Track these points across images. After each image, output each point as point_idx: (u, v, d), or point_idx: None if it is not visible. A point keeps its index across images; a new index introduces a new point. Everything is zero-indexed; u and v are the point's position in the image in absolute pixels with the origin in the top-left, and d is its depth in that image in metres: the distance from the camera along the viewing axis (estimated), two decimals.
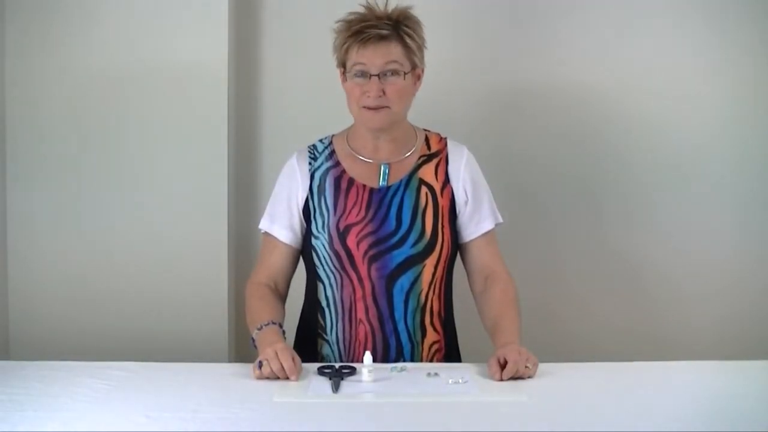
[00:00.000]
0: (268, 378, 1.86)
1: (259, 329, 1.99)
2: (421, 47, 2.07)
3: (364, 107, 2.03)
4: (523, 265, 2.69)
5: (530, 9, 2.75)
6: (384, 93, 2.01)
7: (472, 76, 2.75)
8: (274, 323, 2.01)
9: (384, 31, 2.00)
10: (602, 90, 2.76)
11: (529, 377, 1.87)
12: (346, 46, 2.02)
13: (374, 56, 2.00)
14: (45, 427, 1.57)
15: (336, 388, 1.77)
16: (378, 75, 2.01)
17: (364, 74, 2.01)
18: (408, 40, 2.03)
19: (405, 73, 2.03)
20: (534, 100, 2.77)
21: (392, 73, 2.02)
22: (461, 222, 2.13)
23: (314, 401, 1.72)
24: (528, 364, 1.87)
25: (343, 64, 2.06)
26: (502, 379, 1.84)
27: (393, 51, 2.02)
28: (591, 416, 1.63)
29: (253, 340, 2.01)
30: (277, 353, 1.86)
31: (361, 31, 2.00)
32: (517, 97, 2.77)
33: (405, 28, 2.03)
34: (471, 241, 2.14)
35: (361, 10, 2.04)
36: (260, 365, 1.87)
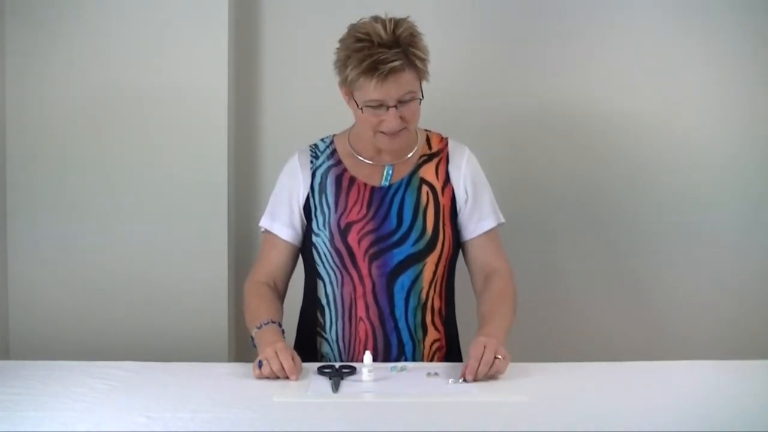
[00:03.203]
0: (267, 378, 1.86)
1: (259, 328, 1.99)
2: (427, 62, 2.02)
3: (381, 132, 2.02)
4: (525, 265, 2.70)
5: (539, 22, 2.75)
6: (401, 119, 1.99)
7: (476, 86, 2.75)
8: (273, 322, 2.00)
9: (397, 63, 1.93)
10: (606, 97, 2.76)
11: (498, 373, 1.84)
12: (359, 82, 1.95)
13: (390, 90, 1.95)
14: (45, 427, 1.57)
15: (336, 387, 1.77)
16: (395, 105, 1.97)
17: (380, 107, 1.98)
18: (418, 64, 1.98)
19: (420, 98, 2.01)
20: (539, 110, 2.77)
21: (408, 101, 1.99)
22: (461, 220, 2.13)
23: (314, 401, 1.72)
24: (498, 355, 1.84)
25: (350, 90, 2.01)
26: (466, 380, 1.81)
27: (407, 80, 1.96)
28: (591, 416, 1.63)
29: (252, 339, 2.01)
30: (276, 353, 1.86)
31: (374, 67, 1.93)
32: (522, 108, 2.77)
33: (413, 50, 1.96)
34: (472, 239, 2.14)
35: (361, 22, 1.98)
36: (260, 365, 1.87)
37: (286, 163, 2.18)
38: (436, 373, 1.88)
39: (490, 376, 1.84)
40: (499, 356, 1.85)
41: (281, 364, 1.85)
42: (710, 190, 2.77)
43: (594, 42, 2.75)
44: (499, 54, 2.75)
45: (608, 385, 1.84)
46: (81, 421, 1.60)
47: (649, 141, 2.77)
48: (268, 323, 1.99)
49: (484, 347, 1.85)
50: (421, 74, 2.00)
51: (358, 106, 2.00)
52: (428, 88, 2.08)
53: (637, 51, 2.74)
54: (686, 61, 2.74)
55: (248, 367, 1.91)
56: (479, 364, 1.82)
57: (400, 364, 1.95)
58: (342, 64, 1.99)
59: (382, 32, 1.94)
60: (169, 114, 2.60)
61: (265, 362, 1.86)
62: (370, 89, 1.95)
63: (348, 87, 2.00)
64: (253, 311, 2.06)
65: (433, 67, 2.07)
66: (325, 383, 1.81)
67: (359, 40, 1.95)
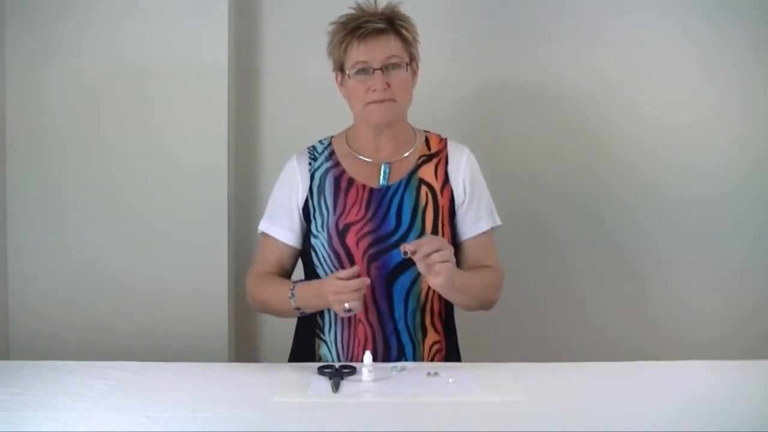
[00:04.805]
0: (351, 311, 1.92)
1: (292, 293, 2.01)
2: (415, 41, 2.09)
3: (370, 102, 2.04)
4: (523, 265, 2.70)
5: (526, 6, 2.75)
6: (388, 86, 2.03)
7: (467, 73, 2.74)
8: (295, 283, 2.05)
9: (381, 25, 2.02)
10: (600, 88, 2.76)
11: (442, 260, 1.89)
12: (344, 44, 2.03)
13: (375, 50, 2.02)
14: (45, 427, 1.56)
15: (336, 387, 1.77)
16: (381, 69, 2.02)
17: (367, 70, 2.02)
18: (404, 32, 2.06)
19: (406, 65, 2.05)
20: (531, 98, 2.77)
21: (394, 67, 2.03)
22: (458, 220, 2.13)
23: (314, 401, 1.72)
24: (444, 249, 1.90)
25: (340, 66, 2.07)
26: (406, 253, 1.90)
27: (392, 44, 2.04)
28: (591, 416, 1.63)
29: (298, 309, 2.04)
30: (336, 289, 1.90)
31: (358, 27, 2.02)
32: (513, 95, 2.77)
33: (399, 21, 2.06)
34: (467, 240, 2.13)
35: (352, 11, 2.06)
36: (348, 310, 1.91)
37: (284, 166, 2.18)
38: (436, 373, 1.87)
39: (430, 262, 1.89)
40: (446, 255, 1.91)
41: (351, 288, 1.89)
42: (710, 188, 2.77)
43: (593, 39, 2.75)
44: (497, 52, 2.75)
45: (608, 385, 1.84)
46: (81, 421, 1.60)
47: (648, 138, 2.77)
48: (294, 286, 2.03)
49: (436, 239, 1.94)
50: (408, 44, 2.06)
51: (347, 76, 2.04)
52: (420, 81, 2.10)
53: (637, 46, 2.74)
54: (686, 56, 2.74)
55: (248, 367, 1.91)
56: (425, 244, 1.90)
57: (400, 364, 1.95)
58: (331, 36, 2.07)
59: (370, 8, 2.06)
60: (169, 115, 2.60)
61: (349, 305, 1.90)
62: (354, 50, 2.02)
63: (338, 60, 2.06)
64: (272, 292, 2.08)
65: (426, 60, 2.11)
66: (325, 383, 1.80)
67: (346, 15, 2.06)
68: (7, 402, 1.69)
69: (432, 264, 1.89)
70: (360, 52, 2.02)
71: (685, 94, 2.75)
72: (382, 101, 2.03)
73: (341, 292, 1.91)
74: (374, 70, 2.02)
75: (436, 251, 1.89)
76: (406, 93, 2.08)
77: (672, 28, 2.73)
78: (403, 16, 2.07)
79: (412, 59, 2.08)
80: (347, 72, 2.05)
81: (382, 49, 2.02)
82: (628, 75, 2.75)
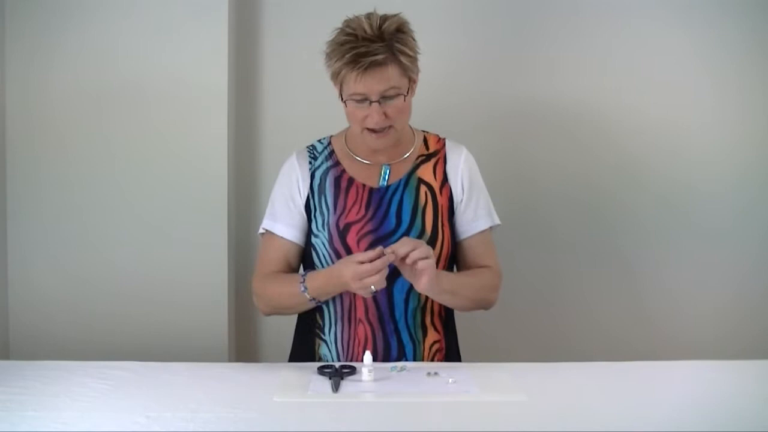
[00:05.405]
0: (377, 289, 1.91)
1: (304, 285, 2.00)
2: (415, 59, 2.01)
3: (367, 129, 2.02)
4: (523, 265, 2.70)
5: (526, 8, 2.75)
6: (386, 115, 1.99)
7: (468, 75, 2.74)
8: (303, 275, 2.04)
9: (379, 57, 1.93)
10: (600, 88, 2.76)
11: (420, 259, 1.89)
12: (341, 75, 1.97)
13: (372, 84, 1.95)
14: (45, 427, 1.57)
15: (336, 387, 1.77)
16: (378, 100, 1.97)
17: (364, 101, 1.98)
18: (403, 59, 1.97)
19: (404, 95, 2.00)
20: (530, 99, 2.77)
21: (392, 97, 1.98)
22: (456, 219, 2.12)
23: (314, 401, 1.72)
24: (421, 247, 1.91)
25: (338, 84, 2.02)
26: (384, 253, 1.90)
27: (391, 76, 1.96)
28: (591, 416, 1.63)
29: (314, 299, 2.03)
30: (359, 275, 1.89)
31: (355, 60, 1.93)
32: (514, 96, 2.77)
33: (398, 46, 1.96)
34: (465, 239, 2.13)
35: (352, 17, 1.99)
36: (373, 291, 1.91)
37: (283, 164, 2.17)
38: (436, 373, 1.88)
39: (409, 261, 1.89)
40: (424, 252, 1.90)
41: (376, 269, 1.88)
42: (710, 188, 2.77)
43: (593, 40, 2.75)
44: (497, 51, 2.75)
45: (608, 385, 1.84)
46: (81, 421, 1.60)
47: (648, 139, 2.77)
48: (304, 276, 2.02)
49: (412, 240, 1.94)
50: (406, 70, 1.99)
51: (344, 102, 2.01)
52: (424, 84, 2.08)
53: (637, 47, 2.74)
54: (683, 55, 2.73)
55: (248, 367, 1.91)
56: (400, 247, 1.91)
57: (400, 364, 1.95)
58: (328, 58, 2.00)
59: (367, 27, 1.95)
60: (170, 115, 2.60)
61: (373, 287, 1.89)
62: (352, 82, 1.96)
63: (335, 81, 2.01)
64: (281, 288, 2.07)
65: (430, 64, 2.08)
66: (325, 383, 1.81)
67: (345, 34, 1.97)
68: (7, 402, 1.69)
69: (412, 263, 1.90)
70: (358, 85, 1.95)
71: (685, 95, 2.75)
72: (380, 130, 2.01)
73: (365, 276, 1.90)
74: (371, 102, 1.97)
75: (413, 251, 1.90)
76: (404, 116, 2.04)
77: (672, 29, 2.73)
78: (403, 36, 1.97)
79: (410, 79, 2.01)
80: (344, 98, 2.01)
81: (380, 81, 1.95)
82: (628, 75, 2.75)
